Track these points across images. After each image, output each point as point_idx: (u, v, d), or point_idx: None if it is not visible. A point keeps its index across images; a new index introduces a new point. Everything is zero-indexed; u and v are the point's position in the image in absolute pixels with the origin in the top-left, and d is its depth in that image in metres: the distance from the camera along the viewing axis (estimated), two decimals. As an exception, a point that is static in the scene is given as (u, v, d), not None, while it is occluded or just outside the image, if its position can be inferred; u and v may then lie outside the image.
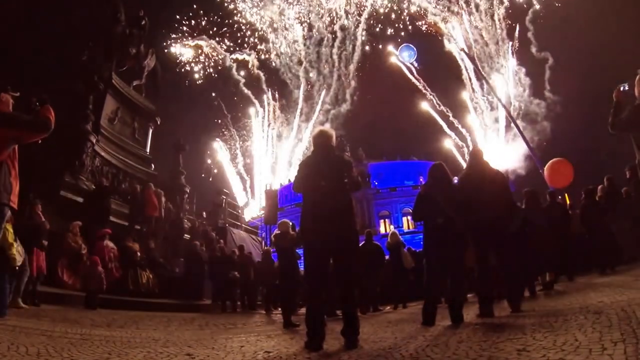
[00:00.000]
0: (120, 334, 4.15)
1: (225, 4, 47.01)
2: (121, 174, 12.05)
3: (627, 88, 3.41)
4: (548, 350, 2.20)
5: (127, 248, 8.64)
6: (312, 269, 3.30)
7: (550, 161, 9.26)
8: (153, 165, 13.95)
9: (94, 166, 11.02)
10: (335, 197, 3.27)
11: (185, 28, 47.37)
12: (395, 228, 36.76)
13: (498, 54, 44.94)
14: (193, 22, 47.67)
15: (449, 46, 44.68)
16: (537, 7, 41.26)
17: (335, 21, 49.05)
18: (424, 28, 44.97)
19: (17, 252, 4.72)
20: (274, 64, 51.77)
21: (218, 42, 49.08)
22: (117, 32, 13.43)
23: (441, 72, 47.45)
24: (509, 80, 43.87)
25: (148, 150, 14.15)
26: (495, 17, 44.48)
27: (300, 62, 51.82)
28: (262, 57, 50.84)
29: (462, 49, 39.03)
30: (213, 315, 7.59)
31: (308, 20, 49.38)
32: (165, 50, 43.18)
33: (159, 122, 14.78)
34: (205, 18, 47.78)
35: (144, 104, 14.11)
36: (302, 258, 3.46)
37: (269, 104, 53.36)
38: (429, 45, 45.15)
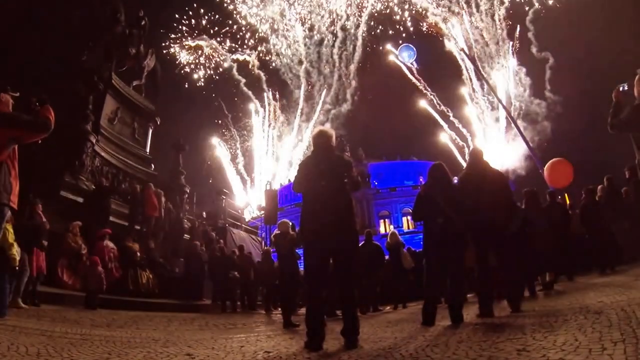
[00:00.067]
0: (120, 334, 4.15)
1: (225, 4, 47.06)
2: (121, 174, 12.06)
3: (626, 88, 3.41)
4: (548, 350, 2.20)
5: (127, 248, 8.64)
6: (312, 269, 3.30)
7: (550, 161, 9.26)
8: (153, 165, 13.96)
9: (94, 166, 11.03)
10: (335, 197, 3.27)
11: (185, 28, 47.43)
12: (395, 228, 36.78)
13: (498, 54, 44.99)
14: (193, 21, 47.74)
15: (450, 46, 44.75)
16: (538, 7, 41.28)
17: (335, 22, 49.10)
18: (424, 29, 45.02)
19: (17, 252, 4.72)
20: (274, 64, 51.87)
21: (219, 43, 49.14)
22: (117, 32, 13.46)
23: (442, 72, 47.53)
24: (509, 80, 43.93)
25: (148, 150, 14.16)
26: (496, 17, 44.53)
27: (300, 62, 51.90)
28: (263, 57, 50.93)
29: (462, 49, 39.10)
30: (213, 315, 7.59)
31: (310, 20, 49.38)
32: (165, 51, 43.18)
33: (158, 122, 14.79)
34: (206, 17, 47.84)
35: (144, 104, 14.13)
36: (302, 258, 3.47)
37: (269, 104, 53.43)
38: (429, 45, 45.27)
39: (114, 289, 7.58)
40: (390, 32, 46.12)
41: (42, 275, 6.16)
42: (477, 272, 4.29)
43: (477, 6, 44.78)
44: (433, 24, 44.17)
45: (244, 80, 51.24)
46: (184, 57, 47.56)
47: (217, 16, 47.70)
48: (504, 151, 41.25)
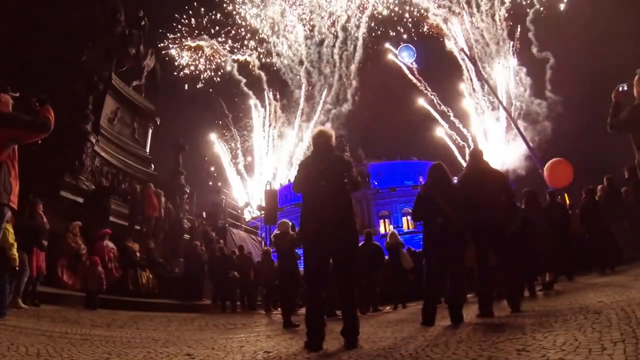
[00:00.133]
0: (120, 334, 4.15)
1: (225, 4, 47.07)
2: (121, 174, 12.05)
3: (625, 88, 3.41)
4: (548, 350, 2.20)
5: (126, 248, 8.64)
6: (312, 269, 3.30)
7: (550, 161, 9.27)
8: (153, 166, 13.95)
9: (94, 166, 11.03)
10: (335, 197, 3.27)
11: (185, 28, 47.42)
12: (394, 228, 36.78)
13: (499, 54, 45.01)
14: (194, 21, 47.73)
15: (450, 46, 44.78)
16: (538, 7, 41.31)
17: (336, 23, 49.10)
18: (425, 29, 45.05)
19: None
20: (275, 64, 51.87)
21: (220, 43, 49.12)
22: (116, 32, 13.45)
23: (442, 72, 47.58)
24: (510, 80, 43.97)
25: (148, 150, 14.16)
26: (496, 18, 44.57)
27: (301, 63, 51.90)
28: (263, 57, 50.93)
29: (462, 49, 39.11)
30: (213, 315, 7.59)
31: (311, 20, 49.37)
32: (164, 52, 43.17)
33: (158, 122, 14.79)
34: (207, 16, 47.84)
35: (144, 104, 14.12)
36: (302, 258, 3.47)
37: (270, 104, 53.43)
38: (430, 45, 45.29)
39: (114, 289, 7.58)
40: (391, 33, 46.26)
41: (42, 275, 6.16)
42: (477, 272, 4.28)
43: (478, 6, 44.89)
44: (434, 24, 44.25)
45: (244, 81, 51.33)
46: (184, 57, 47.62)
47: (218, 15, 47.73)
48: (504, 151, 41.28)
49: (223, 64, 49.40)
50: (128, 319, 5.64)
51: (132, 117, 13.54)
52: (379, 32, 47.40)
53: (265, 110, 53.25)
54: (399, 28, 45.10)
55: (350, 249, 3.36)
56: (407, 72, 47.46)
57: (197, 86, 48.36)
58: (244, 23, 48.65)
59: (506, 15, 43.99)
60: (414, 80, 47.51)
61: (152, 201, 10.31)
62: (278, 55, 51.39)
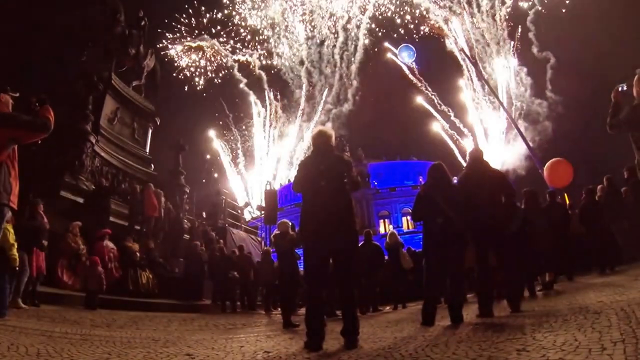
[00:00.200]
0: (120, 334, 4.16)
1: (225, 4, 47.04)
2: (121, 174, 12.06)
3: (625, 88, 3.42)
4: (548, 350, 2.20)
5: (126, 248, 8.64)
6: (312, 269, 3.30)
7: (550, 161, 9.27)
8: (153, 166, 13.96)
9: (94, 166, 11.03)
10: (334, 197, 3.27)
11: (185, 28, 47.38)
12: (394, 228, 36.79)
13: (499, 54, 45.01)
14: (194, 21, 47.68)
15: (451, 46, 44.77)
16: (539, 7, 41.32)
17: (336, 23, 49.10)
18: (426, 29, 45.04)
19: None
20: (275, 65, 51.84)
21: (221, 43, 49.09)
22: (116, 32, 13.46)
23: (443, 72, 47.59)
24: (510, 80, 43.96)
25: (147, 150, 14.16)
26: (497, 18, 44.57)
27: (302, 62, 51.89)
28: (264, 57, 50.90)
29: (462, 50, 39.10)
30: (213, 315, 7.59)
31: (311, 20, 49.36)
32: (163, 52, 43.14)
33: (158, 122, 14.80)
34: (207, 16, 47.79)
35: (144, 104, 14.13)
36: (302, 258, 3.47)
37: (270, 104, 53.41)
38: (430, 46, 45.28)
39: (113, 289, 7.58)
40: (392, 34, 46.25)
41: (42, 275, 6.16)
42: (477, 272, 4.28)
43: (479, 6, 44.88)
44: (434, 25, 44.25)
45: (245, 81, 51.29)
46: (184, 57, 47.59)
47: (218, 14, 47.67)
48: (504, 151, 41.28)
49: (224, 63, 49.42)
50: (128, 319, 5.64)
51: (132, 117, 13.55)
52: (380, 33, 47.45)
53: (266, 110, 53.29)
54: (399, 29, 45.13)
55: (350, 249, 3.36)
56: (407, 72, 47.49)
57: (197, 87, 48.37)
58: (244, 23, 48.67)
59: (507, 15, 44.07)
60: (415, 80, 47.54)
61: (152, 201, 10.31)
62: (279, 55, 51.42)
